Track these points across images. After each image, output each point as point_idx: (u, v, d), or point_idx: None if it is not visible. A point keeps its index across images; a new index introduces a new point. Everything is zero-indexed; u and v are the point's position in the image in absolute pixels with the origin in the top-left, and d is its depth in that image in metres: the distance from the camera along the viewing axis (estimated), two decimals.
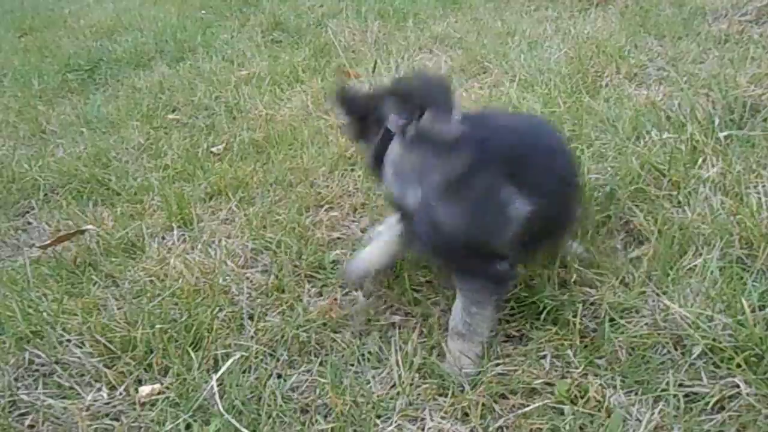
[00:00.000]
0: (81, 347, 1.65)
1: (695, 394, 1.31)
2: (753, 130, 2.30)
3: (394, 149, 1.48)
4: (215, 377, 1.48)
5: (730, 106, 2.51)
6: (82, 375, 1.59)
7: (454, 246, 1.39)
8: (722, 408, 1.27)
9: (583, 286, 1.64)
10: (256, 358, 1.58)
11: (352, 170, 2.42)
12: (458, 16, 4.40)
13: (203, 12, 5.41)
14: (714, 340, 1.37)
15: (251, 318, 1.72)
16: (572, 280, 1.64)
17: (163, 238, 2.18)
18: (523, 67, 3.21)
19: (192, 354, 1.57)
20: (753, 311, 1.39)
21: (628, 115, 2.50)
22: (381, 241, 1.73)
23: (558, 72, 3.06)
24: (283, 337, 1.63)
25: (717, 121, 2.38)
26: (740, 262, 1.61)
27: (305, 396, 1.47)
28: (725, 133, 2.29)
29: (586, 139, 2.37)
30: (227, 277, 1.88)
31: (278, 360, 1.58)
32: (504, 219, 1.37)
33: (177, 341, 1.63)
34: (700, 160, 2.12)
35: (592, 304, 1.61)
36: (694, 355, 1.37)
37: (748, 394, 1.26)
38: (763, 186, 1.93)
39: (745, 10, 3.67)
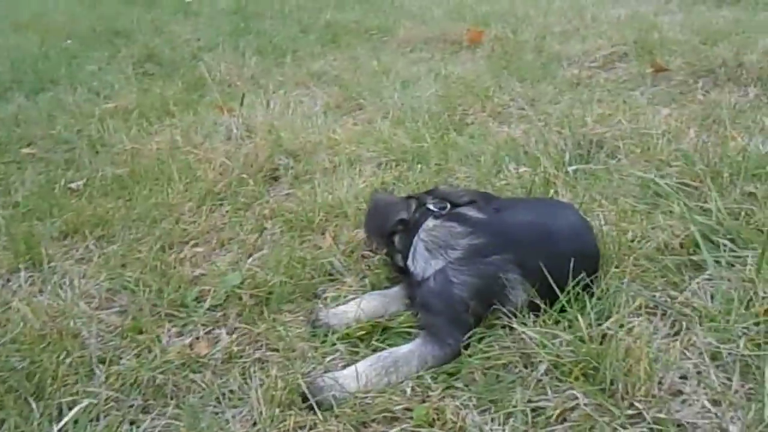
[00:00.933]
0: None
1: (541, 408, 1.38)
2: (597, 164, 2.52)
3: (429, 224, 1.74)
4: (56, 428, 1.36)
5: (578, 142, 2.74)
6: None
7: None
8: (565, 419, 1.35)
9: None
10: (107, 404, 1.48)
11: (221, 205, 2.37)
12: (336, 54, 4.50)
13: (69, 41, 5.15)
14: (558, 356, 1.46)
15: (103, 362, 1.61)
16: None
17: (8, 280, 2.01)
18: (396, 104, 3.33)
19: (33, 404, 1.44)
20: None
21: (490, 150, 2.66)
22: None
23: (428, 110, 3.20)
24: (137, 380, 1.54)
25: (567, 156, 2.59)
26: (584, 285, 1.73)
27: None
28: (574, 167, 2.49)
29: (452, 172, 2.49)
30: (78, 320, 1.76)
31: (132, 406, 1.49)
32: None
33: (16, 391, 1.49)
34: (552, 191, 2.28)
35: None
36: (541, 372, 1.45)
37: (585, 405, 1.35)
38: (604, 213, 2.11)
39: (593, 57, 4.05)
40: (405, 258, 1.76)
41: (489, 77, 3.71)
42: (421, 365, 1.52)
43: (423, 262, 1.68)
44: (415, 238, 1.74)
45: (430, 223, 1.73)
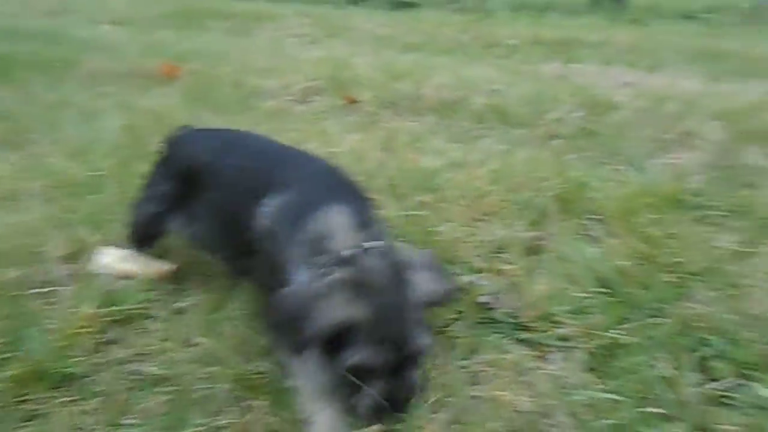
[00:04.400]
0: None
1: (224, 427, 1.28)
2: None
3: None
4: None
5: None
6: None
7: None
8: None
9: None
10: None
11: None
12: (6, 88, 3.91)
13: None
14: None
15: None
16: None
17: None
18: (76, 137, 2.99)
19: None
20: None
21: None
22: None
23: (112, 142, 2.93)
24: None
25: None
26: None
27: None
28: None
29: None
30: None
31: None
32: None
33: None
34: None
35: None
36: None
37: (266, 414, 1.29)
38: None
39: (291, 91, 4.20)
40: None
41: (184, 110, 3.56)
42: None
43: None
44: None
45: None
